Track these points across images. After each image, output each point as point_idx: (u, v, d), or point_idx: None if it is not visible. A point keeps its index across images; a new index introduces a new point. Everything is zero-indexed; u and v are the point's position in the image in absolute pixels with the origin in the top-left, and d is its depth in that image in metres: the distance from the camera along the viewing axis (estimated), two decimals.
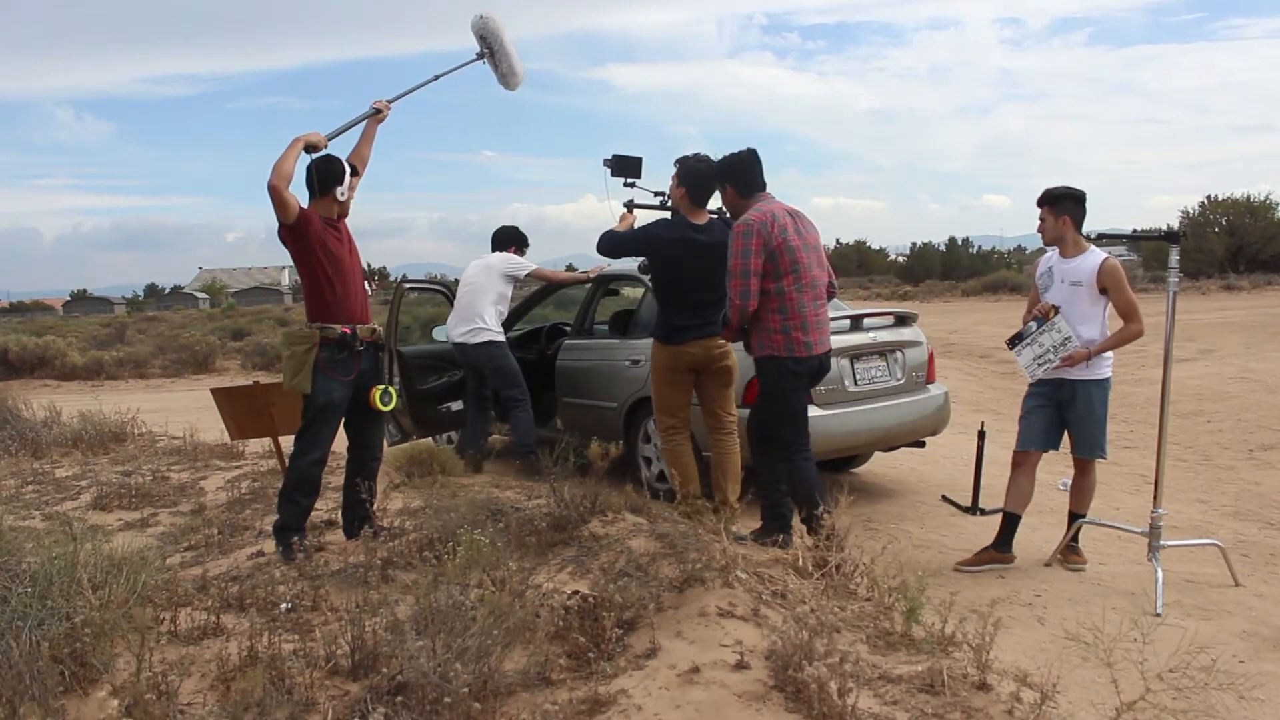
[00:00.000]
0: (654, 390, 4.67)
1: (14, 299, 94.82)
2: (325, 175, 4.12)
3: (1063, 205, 4.32)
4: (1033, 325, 4.39)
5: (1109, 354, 4.34)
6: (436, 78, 4.82)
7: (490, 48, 4.86)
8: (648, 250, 4.64)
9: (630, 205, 5.01)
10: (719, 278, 4.46)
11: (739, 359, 4.62)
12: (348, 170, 4.17)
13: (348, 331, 4.09)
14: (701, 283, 4.49)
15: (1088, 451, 4.35)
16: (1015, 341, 4.47)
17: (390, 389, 4.25)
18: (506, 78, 4.96)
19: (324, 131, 4.20)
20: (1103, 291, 4.25)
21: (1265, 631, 3.62)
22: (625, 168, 5.03)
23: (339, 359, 4.09)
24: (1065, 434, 4.42)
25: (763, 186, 4.19)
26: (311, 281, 4.12)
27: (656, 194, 5.03)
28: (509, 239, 6.28)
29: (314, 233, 4.03)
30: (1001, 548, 4.43)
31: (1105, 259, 4.26)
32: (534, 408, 6.50)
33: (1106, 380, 4.34)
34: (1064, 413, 4.36)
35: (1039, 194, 4.40)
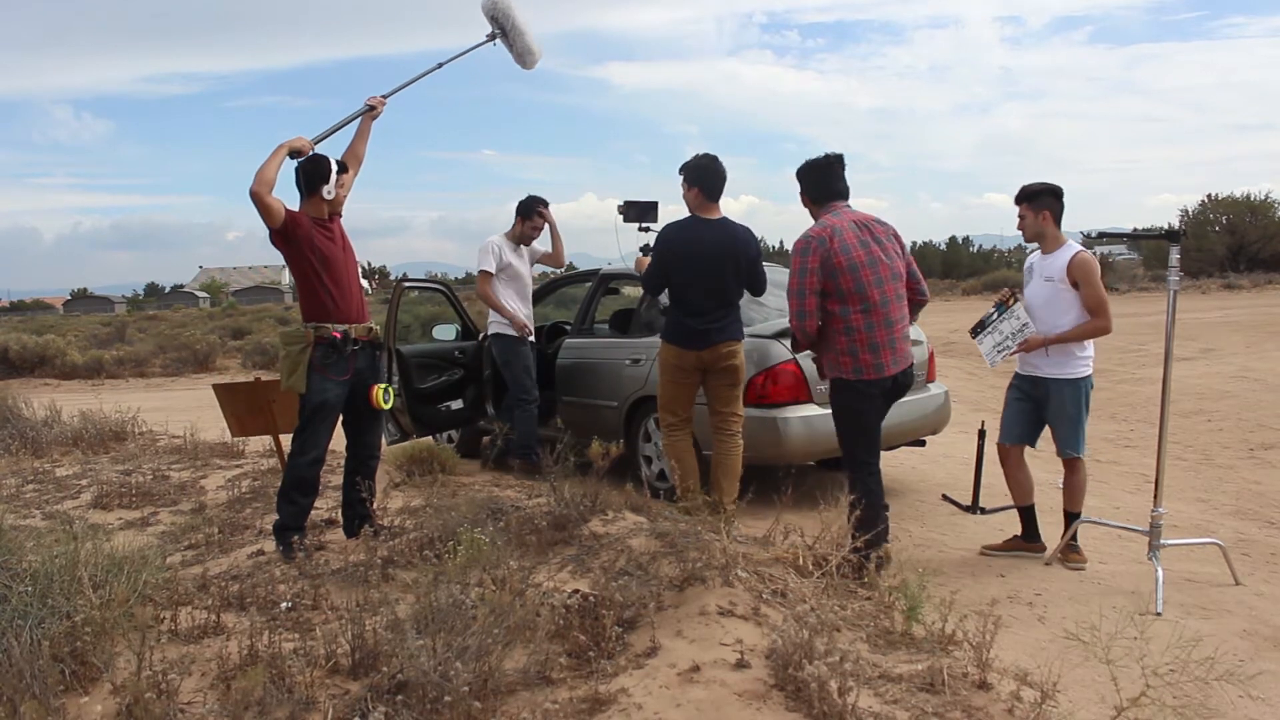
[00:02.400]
0: (660, 387, 4.68)
1: (14, 298, 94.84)
2: (310, 175, 4.11)
3: (1042, 200, 4.33)
4: (993, 312, 4.42)
5: (1086, 353, 4.32)
6: (440, 65, 4.78)
7: (502, 28, 4.82)
8: (663, 255, 4.58)
9: (646, 249, 5.03)
10: (729, 278, 4.49)
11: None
12: (334, 168, 4.14)
13: (338, 335, 4.09)
14: (710, 283, 4.49)
15: (1062, 449, 4.37)
16: (978, 330, 4.51)
17: (390, 388, 4.26)
18: (523, 56, 4.90)
19: (318, 132, 4.20)
20: (1076, 285, 4.24)
21: (1265, 630, 3.62)
22: (640, 213, 5.16)
23: (333, 359, 4.09)
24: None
25: (840, 194, 3.98)
26: (304, 282, 4.12)
27: None
28: (517, 209, 6.14)
29: (303, 235, 4.03)
30: (1029, 538, 4.53)
31: (1077, 252, 4.26)
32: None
33: (1082, 380, 4.31)
34: (1041, 410, 4.39)
35: (1016, 192, 4.41)
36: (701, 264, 4.47)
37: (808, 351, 4.29)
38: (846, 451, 4.01)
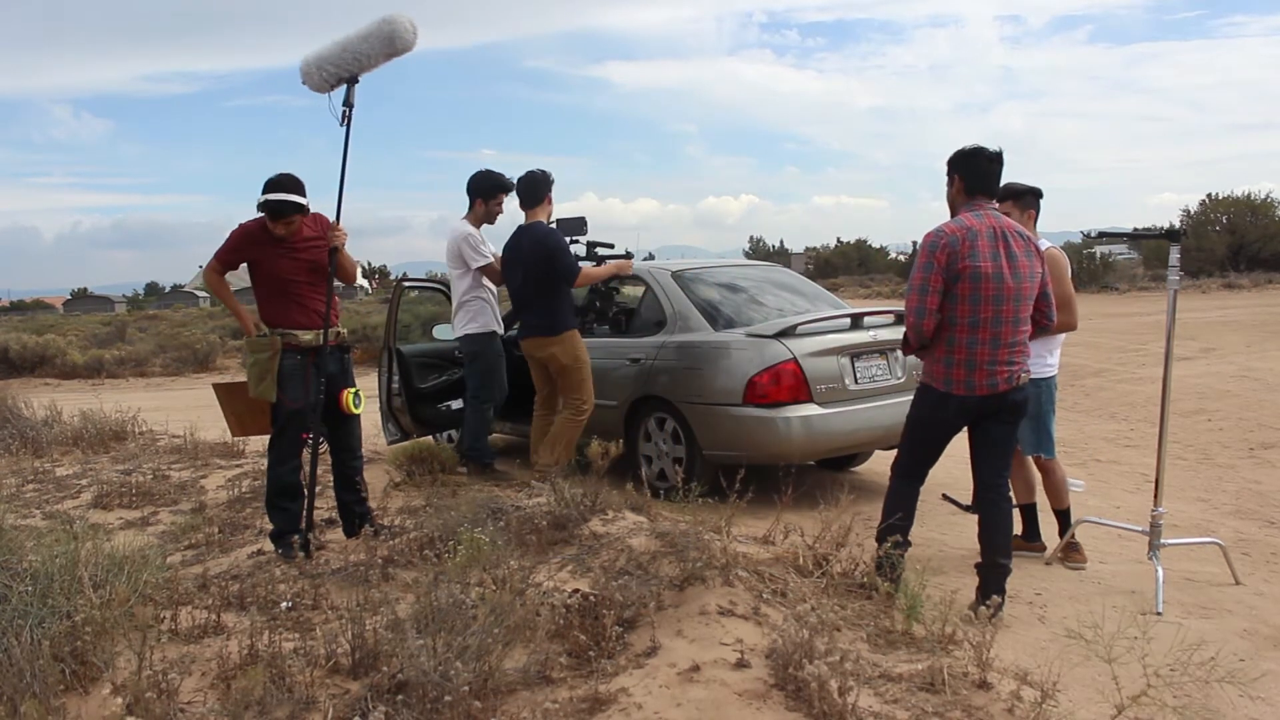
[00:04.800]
0: None
1: (14, 297, 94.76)
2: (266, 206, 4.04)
3: (1027, 200, 4.35)
4: None
5: (1052, 354, 4.36)
6: (344, 160, 4.13)
7: (344, 79, 4.06)
8: (501, 259, 5.44)
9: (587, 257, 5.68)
10: (532, 274, 5.13)
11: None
12: (276, 207, 4.01)
13: (307, 338, 4.08)
14: (517, 281, 5.24)
15: (1027, 449, 4.38)
16: None
17: (360, 392, 4.24)
18: (394, 44, 4.04)
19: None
20: None
21: (1265, 630, 3.62)
22: (568, 228, 5.59)
23: (300, 365, 4.08)
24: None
25: (990, 193, 3.69)
26: (266, 289, 4.12)
27: (602, 245, 5.85)
28: (473, 190, 5.60)
29: (262, 257, 4.09)
30: (1030, 538, 4.53)
31: (1047, 248, 4.27)
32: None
33: (1044, 380, 4.32)
34: None
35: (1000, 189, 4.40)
36: (511, 265, 5.27)
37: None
38: (899, 455, 3.88)
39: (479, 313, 5.62)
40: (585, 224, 5.74)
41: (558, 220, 5.46)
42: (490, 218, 5.72)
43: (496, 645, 2.53)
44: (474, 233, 5.58)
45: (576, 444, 4.94)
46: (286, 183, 4.00)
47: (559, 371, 5.22)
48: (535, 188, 5.26)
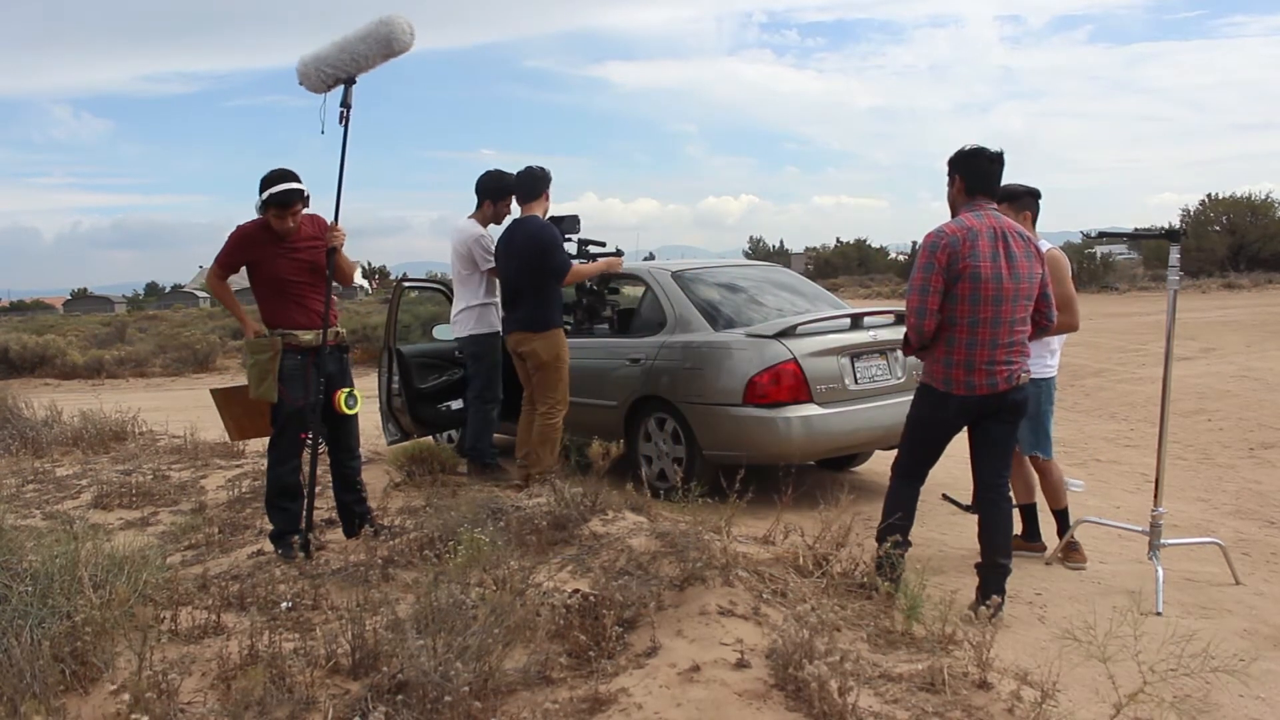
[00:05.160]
0: None
1: (14, 298, 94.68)
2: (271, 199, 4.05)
3: (1024, 201, 4.34)
4: None
5: (1052, 355, 4.38)
6: (343, 158, 4.17)
7: (341, 79, 4.10)
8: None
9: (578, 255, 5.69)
10: (521, 269, 5.14)
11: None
12: (273, 195, 4.02)
13: (307, 338, 4.08)
14: (508, 275, 5.26)
15: (1025, 449, 4.38)
16: None
17: (356, 392, 4.24)
18: (390, 46, 4.06)
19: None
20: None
21: (1265, 630, 3.62)
22: (562, 227, 5.57)
23: (301, 365, 4.08)
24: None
25: (990, 194, 3.69)
26: (266, 290, 4.12)
27: (594, 243, 5.88)
28: (483, 191, 5.60)
29: (262, 258, 4.10)
30: (1030, 538, 4.54)
31: (1048, 249, 4.27)
32: None
33: (1044, 380, 4.33)
34: None
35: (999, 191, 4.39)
36: (504, 258, 5.29)
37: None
38: (899, 455, 3.88)
39: (484, 314, 5.63)
40: (578, 222, 5.76)
41: (552, 218, 5.45)
42: (497, 218, 5.71)
43: (496, 645, 2.54)
44: (485, 234, 5.59)
45: (571, 444, 4.94)
46: (286, 174, 4.06)
47: (537, 367, 5.17)
48: (534, 183, 5.26)
